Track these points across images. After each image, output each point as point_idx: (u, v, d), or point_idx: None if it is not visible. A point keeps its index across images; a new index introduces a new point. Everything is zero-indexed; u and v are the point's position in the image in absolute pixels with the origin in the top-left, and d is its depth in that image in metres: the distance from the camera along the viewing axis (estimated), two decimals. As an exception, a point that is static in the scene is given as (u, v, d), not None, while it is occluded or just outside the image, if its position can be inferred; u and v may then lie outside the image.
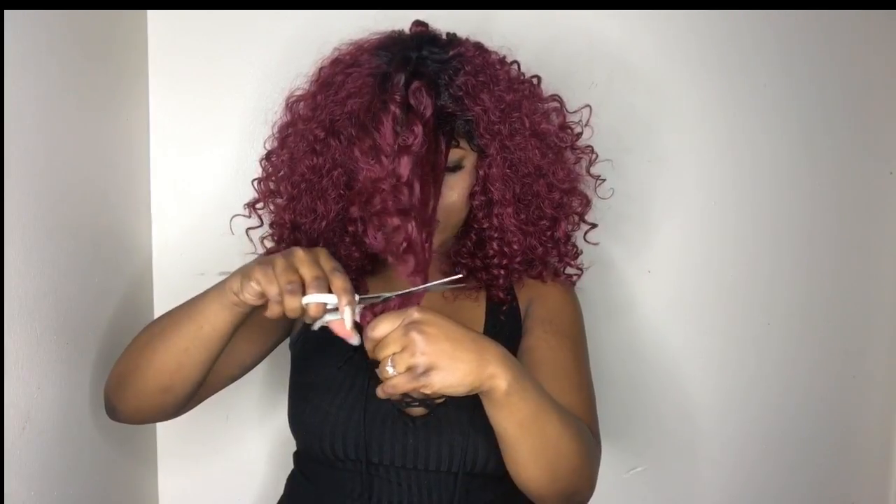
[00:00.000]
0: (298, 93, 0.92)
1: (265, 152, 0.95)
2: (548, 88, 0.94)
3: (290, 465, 0.96)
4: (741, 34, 1.18)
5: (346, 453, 0.85)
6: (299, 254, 0.71)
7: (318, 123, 0.87)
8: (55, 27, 0.84)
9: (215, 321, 0.74)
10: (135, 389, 0.79)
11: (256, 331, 0.89)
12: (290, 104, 0.93)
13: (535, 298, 0.94)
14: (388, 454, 0.85)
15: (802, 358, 1.28)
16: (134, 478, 1.10)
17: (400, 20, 0.92)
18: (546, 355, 0.88)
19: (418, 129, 0.79)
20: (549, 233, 0.93)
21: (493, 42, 0.92)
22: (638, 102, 1.17)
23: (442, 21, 0.92)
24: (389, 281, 0.94)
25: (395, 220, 0.79)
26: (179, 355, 0.76)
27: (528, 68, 0.94)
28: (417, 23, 0.91)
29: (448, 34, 0.90)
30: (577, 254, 0.98)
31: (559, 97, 0.94)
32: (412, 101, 0.80)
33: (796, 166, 1.23)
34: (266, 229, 0.97)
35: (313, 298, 0.69)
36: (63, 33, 0.86)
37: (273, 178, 0.94)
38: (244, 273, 0.71)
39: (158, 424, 1.15)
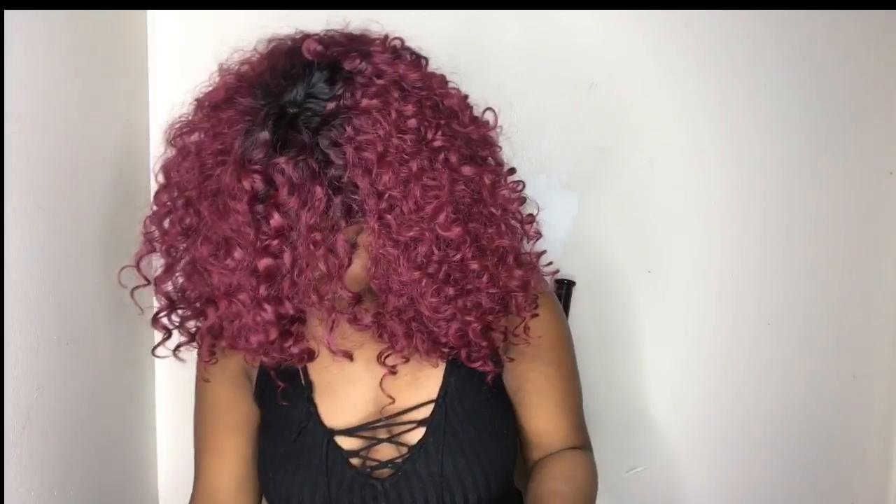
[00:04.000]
0: (182, 120, 0.77)
1: (156, 188, 0.78)
2: (547, 88, 0.93)
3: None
4: (741, 34, 1.18)
5: None
6: None
7: (190, 179, 0.71)
8: (55, 27, 0.83)
9: None
10: None
11: (243, 432, 0.89)
12: (172, 136, 0.76)
13: (512, 331, 0.84)
14: None
15: (802, 358, 1.28)
16: (134, 478, 1.10)
17: (402, 20, 0.91)
18: (534, 389, 0.89)
19: (277, 220, 0.64)
20: (442, 332, 0.76)
21: (491, 44, 0.90)
22: (638, 102, 1.17)
23: (441, 21, 0.91)
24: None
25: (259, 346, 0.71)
26: None
27: (529, 69, 0.93)
28: (318, 39, 0.72)
29: (362, 53, 0.70)
30: (486, 354, 0.81)
31: (493, 167, 0.76)
32: (276, 181, 0.63)
33: (796, 166, 1.23)
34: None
35: None
36: (63, 33, 0.86)
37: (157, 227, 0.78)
38: None
39: (158, 425, 1.15)
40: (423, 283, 0.71)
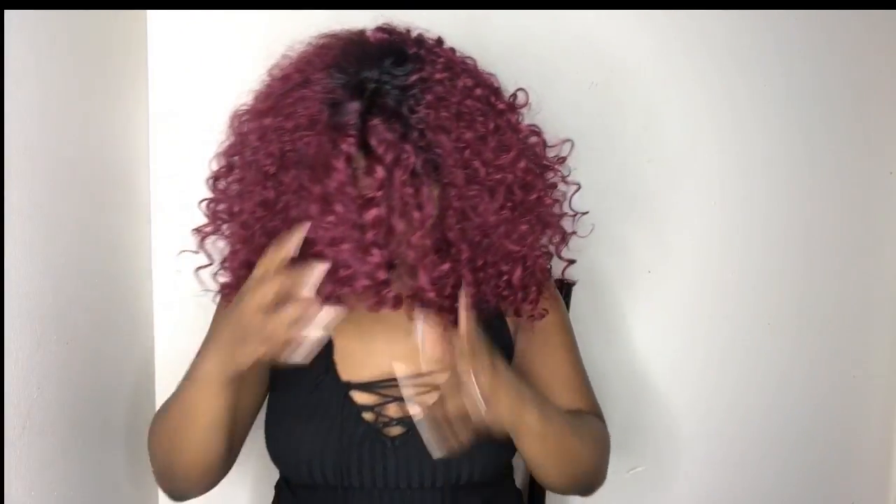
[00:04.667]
0: (244, 109, 0.83)
1: (212, 173, 0.86)
2: (547, 88, 0.93)
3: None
4: (741, 34, 1.18)
5: (324, 479, 0.83)
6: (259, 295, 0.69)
7: (268, 155, 0.78)
8: (55, 27, 0.84)
9: (219, 402, 0.76)
10: (181, 480, 0.83)
11: (249, 374, 0.88)
12: (236, 125, 0.83)
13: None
14: (369, 477, 0.83)
15: (802, 358, 1.28)
16: (134, 478, 1.10)
17: (402, 20, 0.91)
18: (544, 374, 0.91)
19: (381, 173, 0.71)
20: (505, 278, 0.84)
21: (491, 43, 0.90)
22: (637, 102, 1.17)
23: (441, 21, 0.91)
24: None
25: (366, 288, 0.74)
26: (205, 446, 0.79)
27: (529, 69, 0.93)
28: (379, 30, 0.81)
29: (416, 41, 0.80)
30: (537, 298, 0.88)
31: (538, 130, 0.86)
32: (372, 142, 0.71)
33: (796, 166, 1.23)
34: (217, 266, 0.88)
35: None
36: (63, 33, 0.86)
37: (223, 208, 0.85)
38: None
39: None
40: (507, 223, 0.80)
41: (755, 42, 1.19)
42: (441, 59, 0.78)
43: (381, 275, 0.73)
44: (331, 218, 0.72)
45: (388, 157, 0.71)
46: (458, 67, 0.79)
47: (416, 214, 0.73)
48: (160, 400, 1.13)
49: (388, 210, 0.72)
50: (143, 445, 1.13)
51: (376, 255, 0.72)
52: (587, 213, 0.93)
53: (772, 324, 1.26)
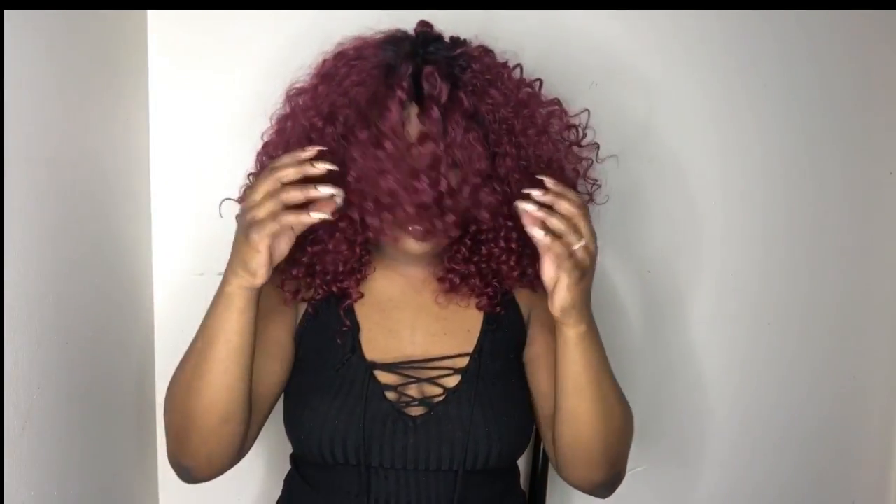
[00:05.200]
0: (299, 85, 0.89)
1: (262, 144, 0.91)
2: (547, 88, 0.94)
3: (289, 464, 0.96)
4: (741, 34, 1.18)
5: (345, 457, 0.84)
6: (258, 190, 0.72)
7: (317, 112, 0.84)
8: (55, 27, 0.84)
9: (236, 326, 0.76)
10: (198, 436, 0.80)
11: (275, 347, 0.89)
12: (290, 96, 0.89)
13: (536, 305, 0.94)
14: (389, 456, 0.84)
15: (802, 358, 1.28)
16: (134, 477, 1.10)
17: (402, 21, 0.92)
18: (552, 360, 0.90)
19: (435, 113, 0.77)
20: (529, 251, 0.87)
21: (495, 43, 0.91)
22: (638, 103, 1.17)
23: (444, 22, 0.91)
24: (385, 282, 0.93)
25: (414, 216, 0.78)
26: (223, 380, 0.77)
27: (529, 68, 0.94)
28: (422, 23, 0.89)
29: (452, 37, 0.88)
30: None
31: (559, 101, 0.92)
32: (426, 85, 0.78)
33: (796, 167, 1.23)
34: None
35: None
36: (63, 33, 0.86)
37: None
38: (239, 255, 0.74)
39: (159, 425, 1.15)
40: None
41: (755, 42, 1.19)
42: (474, 45, 0.87)
43: (427, 198, 0.77)
44: (380, 153, 0.77)
45: (444, 97, 0.78)
46: (489, 51, 0.87)
47: (471, 156, 0.79)
48: (160, 399, 1.13)
49: (445, 148, 0.77)
50: (144, 445, 1.13)
51: (424, 182, 0.77)
52: (600, 186, 0.97)
53: (772, 324, 1.26)
